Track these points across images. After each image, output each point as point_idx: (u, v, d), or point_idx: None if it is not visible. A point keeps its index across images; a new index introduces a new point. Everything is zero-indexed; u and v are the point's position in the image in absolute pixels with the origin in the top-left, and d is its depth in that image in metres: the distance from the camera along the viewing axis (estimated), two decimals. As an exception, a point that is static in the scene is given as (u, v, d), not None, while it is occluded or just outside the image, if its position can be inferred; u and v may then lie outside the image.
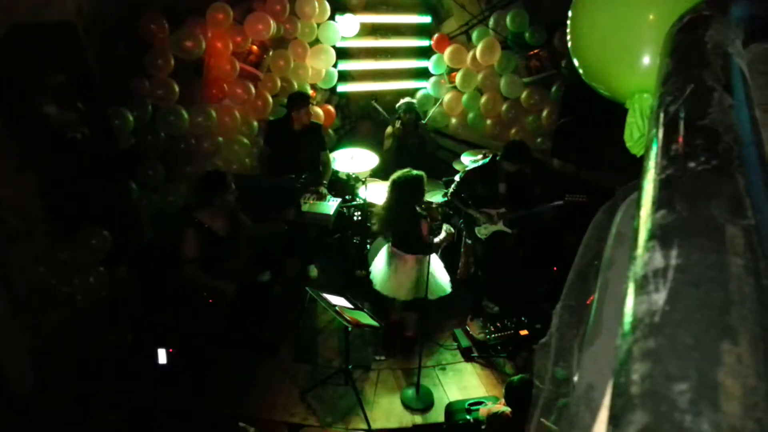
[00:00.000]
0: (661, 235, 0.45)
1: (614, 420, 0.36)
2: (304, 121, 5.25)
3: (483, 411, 3.50)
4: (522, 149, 4.85)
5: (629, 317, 0.41)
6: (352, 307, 4.24)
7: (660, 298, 0.40)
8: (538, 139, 6.47)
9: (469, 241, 5.22)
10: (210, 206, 4.19)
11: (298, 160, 5.30)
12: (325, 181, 5.58)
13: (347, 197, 5.95)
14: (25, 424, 3.46)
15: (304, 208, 5.17)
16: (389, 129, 6.46)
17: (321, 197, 5.28)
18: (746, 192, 0.46)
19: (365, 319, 4.13)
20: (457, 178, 5.14)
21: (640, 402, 0.35)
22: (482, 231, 5.05)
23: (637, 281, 0.43)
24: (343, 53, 6.74)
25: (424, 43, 7.19)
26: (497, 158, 4.94)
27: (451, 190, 5.13)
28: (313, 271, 5.85)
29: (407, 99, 6.38)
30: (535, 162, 5.27)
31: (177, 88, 4.83)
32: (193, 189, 4.27)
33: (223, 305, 4.23)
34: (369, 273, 4.91)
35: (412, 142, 6.44)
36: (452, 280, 4.92)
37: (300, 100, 5.26)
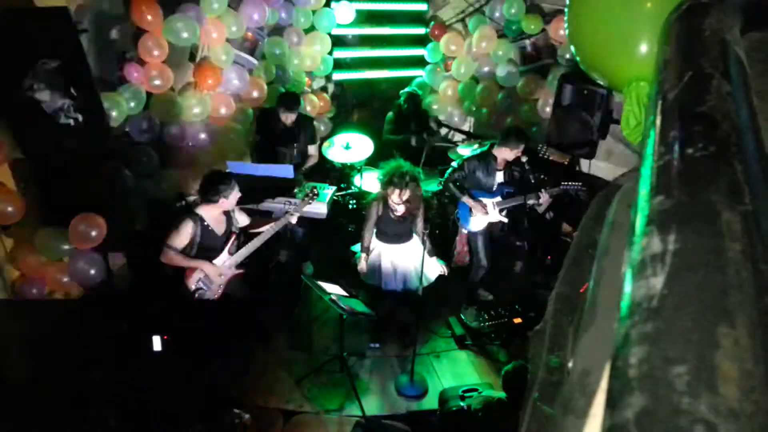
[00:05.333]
0: (659, 221, 0.45)
1: (612, 402, 0.36)
2: (288, 121, 5.27)
3: (479, 400, 3.52)
4: (520, 133, 4.86)
5: (627, 301, 0.41)
6: (347, 295, 4.25)
7: (658, 282, 0.40)
8: (534, 128, 6.46)
9: (465, 231, 5.22)
10: (211, 204, 4.18)
11: (285, 151, 5.35)
12: (303, 169, 5.56)
13: (342, 185, 5.95)
14: (20, 412, 3.46)
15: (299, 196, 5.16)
16: (390, 115, 6.49)
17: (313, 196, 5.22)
18: (744, 178, 0.46)
19: (360, 306, 4.14)
20: (454, 164, 5.13)
21: (638, 385, 0.35)
22: (478, 222, 5.06)
23: (635, 266, 0.43)
24: (338, 41, 6.70)
25: (421, 31, 7.15)
26: (494, 146, 4.95)
27: (446, 176, 5.11)
28: (309, 268, 5.83)
29: (411, 88, 6.43)
30: (530, 151, 5.27)
31: (171, 75, 4.80)
32: (199, 186, 4.24)
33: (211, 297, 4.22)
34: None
35: (411, 129, 6.48)
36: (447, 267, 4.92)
37: (288, 104, 5.23)
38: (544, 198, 4.82)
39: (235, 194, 4.21)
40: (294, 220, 4.51)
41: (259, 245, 4.40)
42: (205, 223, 4.14)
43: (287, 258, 5.82)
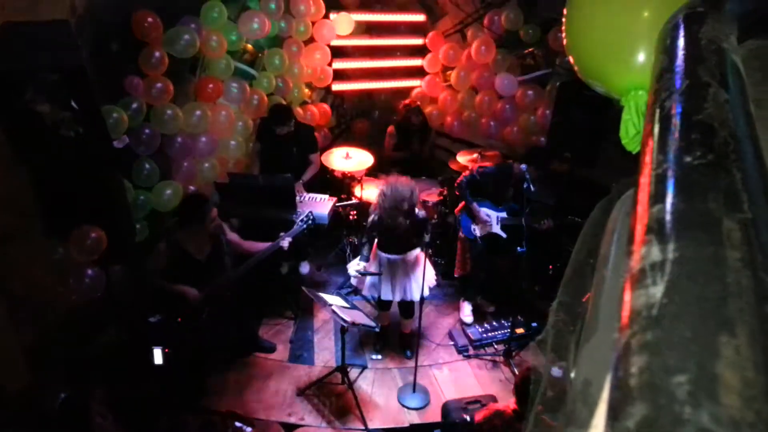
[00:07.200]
0: (658, 229, 0.45)
1: (613, 413, 0.36)
2: (284, 133, 5.29)
3: (482, 413, 3.50)
4: (545, 154, 4.98)
5: (627, 311, 0.41)
6: (348, 306, 4.24)
7: (658, 291, 0.40)
8: (533, 138, 6.48)
9: (462, 235, 5.24)
10: (188, 228, 4.17)
11: (285, 159, 5.36)
12: (303, 179, 5.60)
13: (342, 196, 5.96)
14: (19, 422, 3.45)
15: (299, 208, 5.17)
16: (391, 128, 6.49)
17: (317, 201, 5.19)
18: (742, 186, 0.46)
19: (361, 318, 4.13)
20: (475, 172, 5.14)
21: (639, 394, 0.35)
22: (477, 230, 5.07)
23: (634, 275, 0.43)
24: (337, 52, 6.73)
25: (419, 41, 7.19)
26: (516, 163, 5.03)
27: (462, 180, 5.11)
28: (305, 267, 5.81)
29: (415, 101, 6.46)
30: (530, 160, 5.28)
31: (171, 87, 4.81)
32: (175, 210, 4.26)
33: (198, 316, 4.19)
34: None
35: (413, 143, 6.49)
36: (449, 277, 4.92)
37: (278, 119, 5.26)
38: (548, 225, 4.87)
39: (211, 221, 4.16)
40: (286, 244, 4.47)
41: (253, 266, 4.38)
42: (181, 248, 4.13)
43: (288, 270, 5.82)
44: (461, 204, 5.27)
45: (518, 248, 4.59)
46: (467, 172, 5.14)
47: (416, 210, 4.31)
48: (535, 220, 4.83)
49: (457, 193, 5.21)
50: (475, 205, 5.01)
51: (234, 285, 4.38)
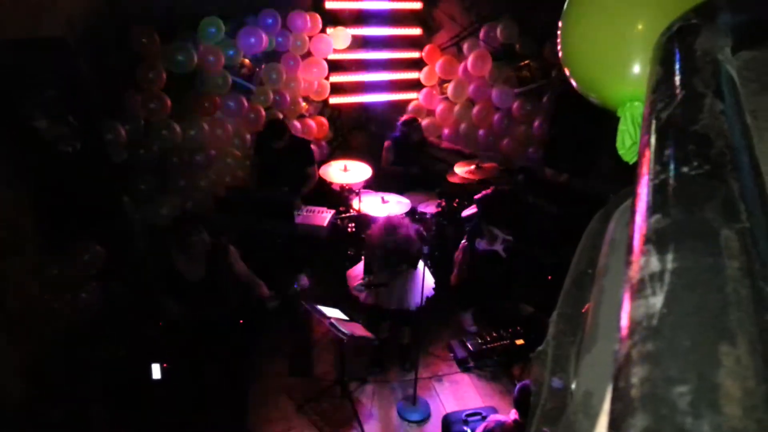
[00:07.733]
0: (656, 240, 0.45)
1: (614, 424, 0.36)
2: (280, 147, 5.30)
3: (483, 425, 3.48)
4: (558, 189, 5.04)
5: (627, 321, 0.41)
6: (347, 319, 4.22)
7: (657, 301, 0.40)
8: (530, 149, 6.50)
9: (463, 244, 5.25)
10: (174, 246, 4.04)
11: (282, 173, 5.38)
12: (302, 190, 5.62)
13: (341, 209, 5.95)
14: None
15: (298, 219, 5.18)
16: (388, 142, 6.50)
17: (315, 213, 5.21)
18: (740, 196, 0.46)
19: (360, 330, 4.12)
20: (496, 190, 5.18)
21: (641, 405, 0.35)
22: (482, 244, 5.08)
23: (633, 285, 0.43)
24: (335, 65, 6.76)
25: (416, 54, 7.22)
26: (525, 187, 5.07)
27: (482, 197, 5.15)
28: (303, 281, 5.79)
29: (415, 118, 6.46)
30: (528, 171, 5.29)
31: (169, 102, 4.83)
32: (167, 228, 4.14)
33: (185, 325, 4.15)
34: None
35: (411, 158, 6.48)
36: (447, 288, 4.94)
37: (274, 132, 5.30)
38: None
39: (202, 239, 4.01)
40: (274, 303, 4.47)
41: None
42: (175, 267, 4.03)
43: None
44: (473, 210, 5.28)
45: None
46: (489, 191, 5.16)
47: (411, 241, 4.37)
48: (535, 251, 4.88)
49: (476, 207, 5.25)
50: (484, 225, 5.06)
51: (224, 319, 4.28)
